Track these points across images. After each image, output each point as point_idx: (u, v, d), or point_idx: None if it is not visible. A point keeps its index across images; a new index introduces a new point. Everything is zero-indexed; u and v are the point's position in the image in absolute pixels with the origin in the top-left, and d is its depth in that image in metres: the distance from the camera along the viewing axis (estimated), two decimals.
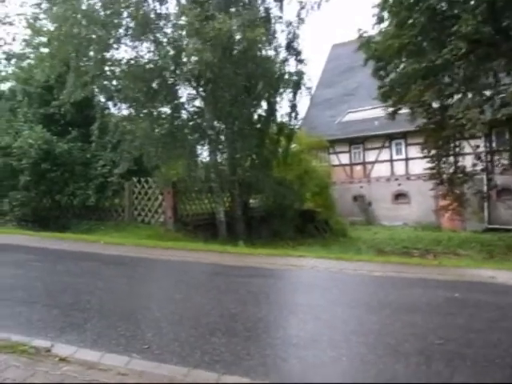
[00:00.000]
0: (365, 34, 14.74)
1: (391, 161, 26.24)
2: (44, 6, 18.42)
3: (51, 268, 8.49)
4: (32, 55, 20.57)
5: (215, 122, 14.27)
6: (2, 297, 5.90)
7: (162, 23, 13.28)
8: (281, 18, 14.97)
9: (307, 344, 4.15)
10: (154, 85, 13.31)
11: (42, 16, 19.95)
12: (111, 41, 13.24)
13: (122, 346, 4.02)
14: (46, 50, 18.39)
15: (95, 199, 13.93)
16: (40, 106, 15.65)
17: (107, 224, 13.48)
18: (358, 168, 27.29)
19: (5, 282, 7.01)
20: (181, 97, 14.05)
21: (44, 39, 19.56)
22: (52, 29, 16.01)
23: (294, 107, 15.36)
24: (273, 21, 14.85)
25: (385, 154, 26.40)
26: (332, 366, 3.69)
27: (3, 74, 23.65)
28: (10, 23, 23.99)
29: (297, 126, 16.56)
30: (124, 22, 13.08)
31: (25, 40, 22.15)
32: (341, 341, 4.21)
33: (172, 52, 12.93)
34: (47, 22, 19.19)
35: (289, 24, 15.10)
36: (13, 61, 23.39)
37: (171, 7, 13.57)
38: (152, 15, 13.00)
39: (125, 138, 13.84)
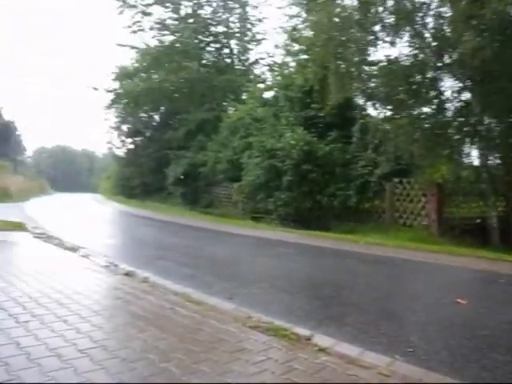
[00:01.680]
0: None
1: None
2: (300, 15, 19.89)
3: (311, 262, 8.93)
4: (292, 63, 21.98)
5: (485, 117, 13.16)
6: (266, 284, 6.32)
7: (421, 14, 12.83)
8: None
9: None
10: (415, 81, 12.91)
11: (299, 26, 21.46)
12: (368, 40, 13.27)
13: (383, 345, 3.90)
14: (304, 57, 19.46)
15: (356, 200, 14.16)
16: (301, 110, 16.60)
17: (367, 225, 13.55)
18: None
19: (269, 271, 7.53)
20: (444, 91, 13.34)
21: (302, 47, 20.78)
22: (310, 35, 16.98)
23: None
24: None
25: None
26: None
27: (268, 83, 26.05)
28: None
29: None
30: (380, 19, 13.00)
31: (285, 50, 23.89)
32: None
33: (434, 43, 12.38)
34: (304, 31, 20.47)
35: None
36: (275, 70, 25.58)
37: None
38: (411, 7, 12.65)
39: (386, 138, 13.76)
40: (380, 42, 13.42)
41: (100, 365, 3.12)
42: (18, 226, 11.65)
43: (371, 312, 5.10)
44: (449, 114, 13.42)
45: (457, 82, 13.12)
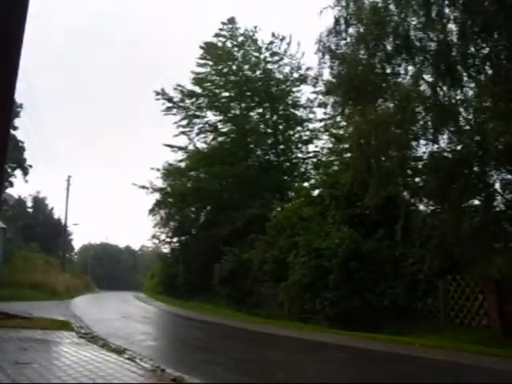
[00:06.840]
0: None
1: None
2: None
3: (367, 368, 8.85)
4: (336, 162, 22.42)
5: None
6: None
7: (461, 109, 13.13)
8: None
9: None
10: (461, 175, 12.96)
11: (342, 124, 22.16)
12: (409, 138, 13.55)
13: None
14: (348, 156, 19.89)
15: (406, 299, 13.81)
16: (346, 208, 16.82)
17: (420, 326, 13.08)
18: None
19: (324, 378, 7.42)
20: (493, 184, 13.27)
21: (345, 145, 21.29)
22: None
23: None
24: None
25: None
26: None
27: (314, 181, 26.61)
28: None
29: None
30: (420, 117, 13.33)
31: (329, 148, 24.56)
32: None
33: (477, 138, 12.53)
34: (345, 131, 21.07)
35: None
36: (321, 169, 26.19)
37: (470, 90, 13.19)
38: (451, 103, 12.98)
39: (432, 234, 13.63)
40: (421, 141, 13.69)
41: None
42: (65, 325, 12.00)
43: None
44: (501, 206, 13.27)
45: (505, 173, 13.11)
